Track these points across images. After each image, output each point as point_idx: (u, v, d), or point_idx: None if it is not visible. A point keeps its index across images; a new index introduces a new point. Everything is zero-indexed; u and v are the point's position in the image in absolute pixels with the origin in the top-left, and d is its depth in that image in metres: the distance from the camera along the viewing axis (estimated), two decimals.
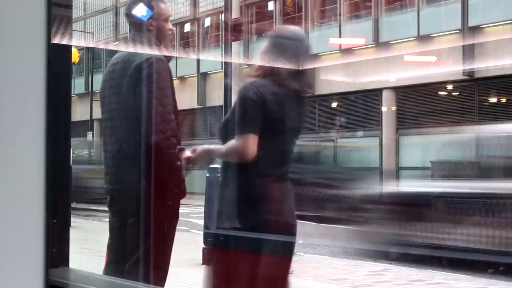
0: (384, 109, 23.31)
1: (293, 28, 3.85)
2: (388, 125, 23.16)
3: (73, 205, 15.24)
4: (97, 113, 31.39)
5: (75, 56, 13.86)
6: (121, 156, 3.89)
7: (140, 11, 3.90)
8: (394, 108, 23.19)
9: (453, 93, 21.96)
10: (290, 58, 3.53)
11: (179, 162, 3.73)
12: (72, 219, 11.86)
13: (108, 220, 4.14)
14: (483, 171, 10.13)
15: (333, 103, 25.52)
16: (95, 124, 36.32)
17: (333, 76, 24.23)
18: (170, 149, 3.72)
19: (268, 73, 3.51)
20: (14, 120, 1.31)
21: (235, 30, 8.68)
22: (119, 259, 3.86)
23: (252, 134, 3.38)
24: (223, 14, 13.66)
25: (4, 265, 1.29)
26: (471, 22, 20.34)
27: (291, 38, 3.63)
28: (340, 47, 24.58)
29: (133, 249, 3.79)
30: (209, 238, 8.52)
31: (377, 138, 23.56)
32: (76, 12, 37.56)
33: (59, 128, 1.83)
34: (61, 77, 1.84)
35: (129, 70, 3.79)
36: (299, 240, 12.18)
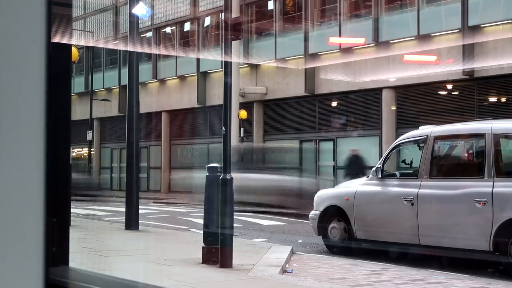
0: (383, 108, 23.29)
1: None
2: (387, 124, 23.14)
3: None
4: (97, 112, 31.23)
5: (75, 55, 13.85)
6: None
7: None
8: (393, 108, 23.17)
9: (453, 92, 21.96)
10: None
11: None
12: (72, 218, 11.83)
13: None
14: None
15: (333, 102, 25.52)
16: (95, 123, 36.30)
17: (333, 76, 24.21)
18: None
19: None
20: (13, 119, 1.31)
21: (235, 29, 8.68)
22: None
23: None
24: (223, 13, 13.63)
25: (3, 264, 1.29)
26: (471, 22, 20.34)
27: None
28: (340, 46, 24.56)
29: None
30: (208, 237, 8.53)
31: (377, 137, 23.55)
32: (76, 11, 37.54)
33: (59, 127, 1.84)
34: (61, 76, 1.84)
35: None
36: (298, 239, 12.19)
